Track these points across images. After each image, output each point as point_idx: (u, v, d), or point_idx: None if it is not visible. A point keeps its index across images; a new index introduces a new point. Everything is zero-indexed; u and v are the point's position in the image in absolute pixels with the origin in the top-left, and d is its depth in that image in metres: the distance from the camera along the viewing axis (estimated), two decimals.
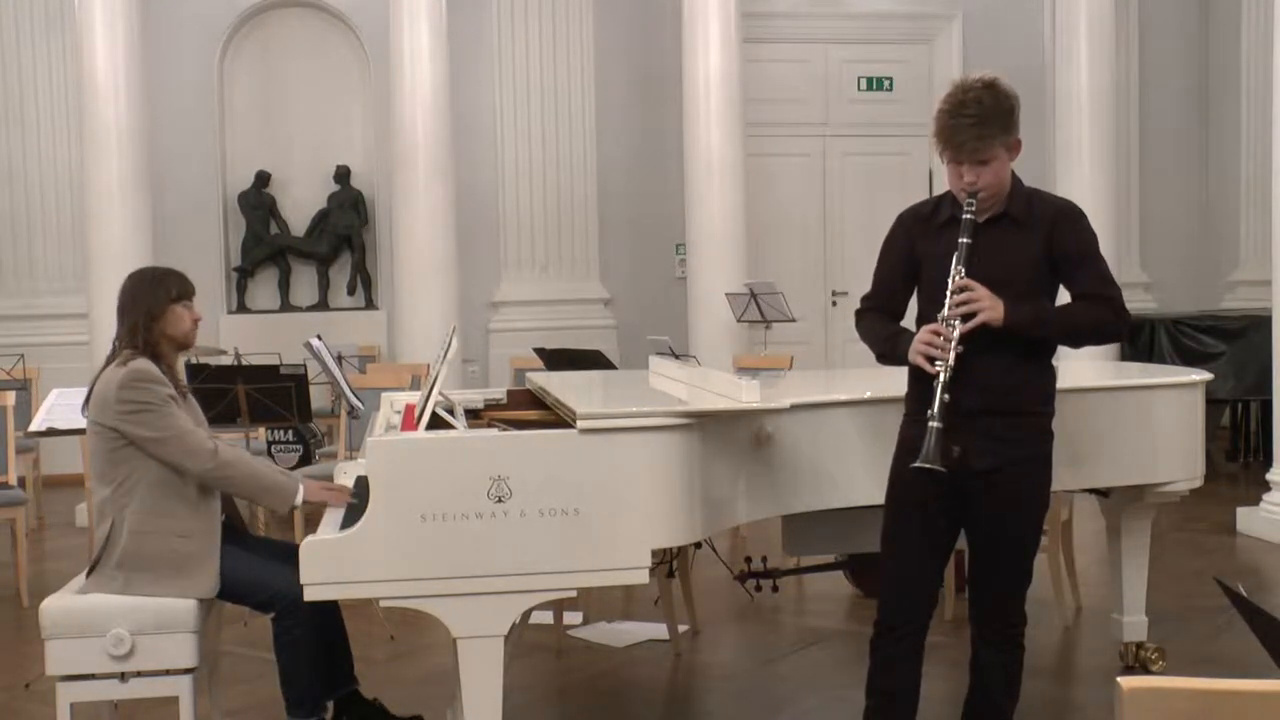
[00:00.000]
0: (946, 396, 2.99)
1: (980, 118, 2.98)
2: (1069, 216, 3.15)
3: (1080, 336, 3.20)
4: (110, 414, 3.57)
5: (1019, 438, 3.11)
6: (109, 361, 3.69)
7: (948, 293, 3.03)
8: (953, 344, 3.01)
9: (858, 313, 3.35)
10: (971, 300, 3.01)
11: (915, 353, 3.07)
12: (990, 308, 3.00)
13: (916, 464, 2.99)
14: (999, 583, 3.20)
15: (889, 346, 3.20)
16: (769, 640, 5.22)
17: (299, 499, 3.66)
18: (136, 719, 4.14)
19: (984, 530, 3.18)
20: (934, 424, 2.98)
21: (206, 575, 3.58)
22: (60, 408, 5.62)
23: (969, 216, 3.05)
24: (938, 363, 3.01)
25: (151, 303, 3.68)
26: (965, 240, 3.05)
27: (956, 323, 3.02)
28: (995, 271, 3.05)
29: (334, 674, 3.85)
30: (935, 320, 3.07)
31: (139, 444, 3.57)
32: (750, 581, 4.92)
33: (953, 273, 3.04)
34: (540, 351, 6.71)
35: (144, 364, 3.61)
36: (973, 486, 3.10)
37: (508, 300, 9.96)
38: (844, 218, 10.49)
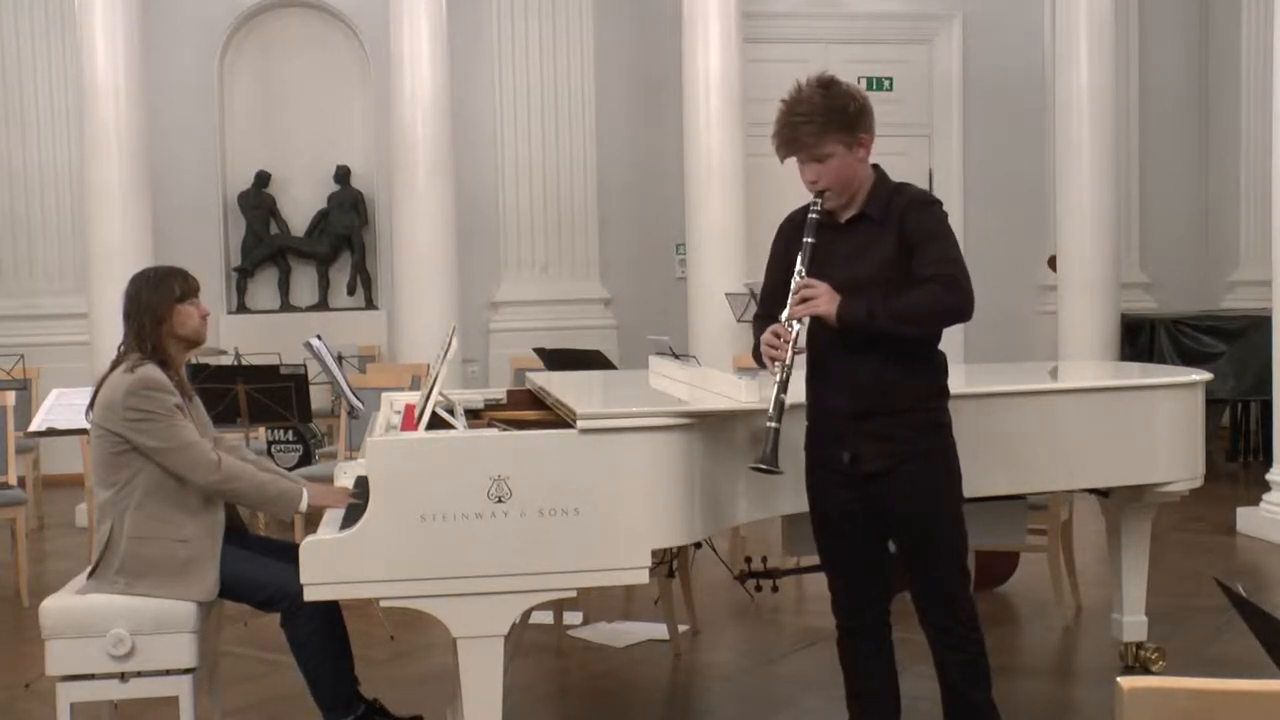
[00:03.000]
0: (784, 396, 3.00)
1: (810, 115, 3.01)
2: (916, 204, 3.10)
3: (919, 322, 3.04)
4: (116, 420, 3.57)
5: (905, 436, 3.08)
6: (115, 365, 3.69)
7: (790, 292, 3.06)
8: (791, 344, 3.01)
9: (754, 318, 3.37)
10: (809, 297, 3.01)
11: (762, 353, 3.10)
12: (826, 302, 3.00)
13: (752, 465, 3.03)
14: (932, 582, 3.18)
15: (757, 348, 3.22)
16: (769, 640, 5.22)
17: (303, 505, 3.66)
18: (136, 719, 4.14)
19: (898, 531, 3.17)
20: (771, 424, 3.00)
21: (206, 579, 3.58)
22: (60, 408, 5.62)
23: (814, 216, 3.08)
24: (776, 364, 3.03)
25: (156, 305, 3.68)
26: (809, 240, 3.07)
27: (795, 323, 3.03)
28: (857, 272, 3.05)
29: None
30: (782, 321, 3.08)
31: (144, 452, 3.57)
32: (750, 581, 4.92)
33: (795, 272, 3.06)
34: (540, 351, 6.71)
35: (152, 371, 3.61)
36: (873, 490, 3.11)
37: (508, 300, 9.96)
38: None
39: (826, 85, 3.06)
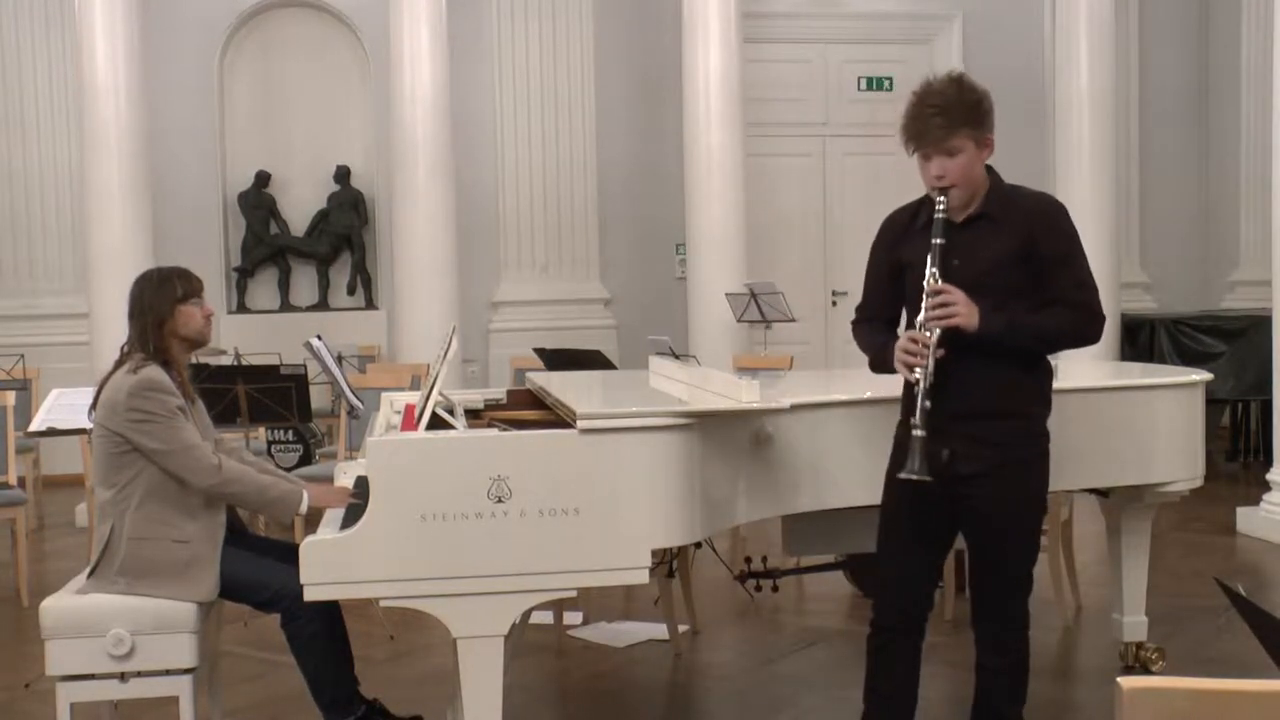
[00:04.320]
0: (928, 403, 2.97)
1: (943, 107, 2.99)
2: (1048, 214, 3.10)
3: (1054, 345, 3.15)
4: (118, 420, 3.57)
5: (1009, 441, 3.08)
6: (118, 365, 3.69)
7: (924, 296, 3.02)
8: (930, 350, 2.98)
9: (853, 324, 3.35)
10: (947, 304, 2.98)
11: (897, 360, 3.06)
12: (966, 313, 2.98)
13: (902, 475, 3.00)
14: (996, 586, 3.18)
15: (879, 356, 3.19)
16: (769, 640, 5.22)
17: (303, 508, 3.67)
18: (136, 719, 4.14)
19: (977, 533, 3.16)
20: (917, 432, 2.97)
21: (206, 580, 3.58)
22: (60, 408, 5.61)
23: (940, 216, 3.04)
24: (917, 370, 3.00)
25: (158, 306, 3.68)
26: (938, 241, 3.02)
27: (934, 327, 3.00)
28: (973, 272, 3.03)
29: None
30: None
31: (145, 453, 3.57)
32: (750, 581, 4.92)
33: (927, 275, 3.03)
34: (540, 351, 6.71)
35: (155, 372, 3.61)
36: (964, 490, 3.09)
37: (508, 300, 9.96)
38: (844, 218, 10.49)
39: (959, 80, 3.06)
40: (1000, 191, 3.11)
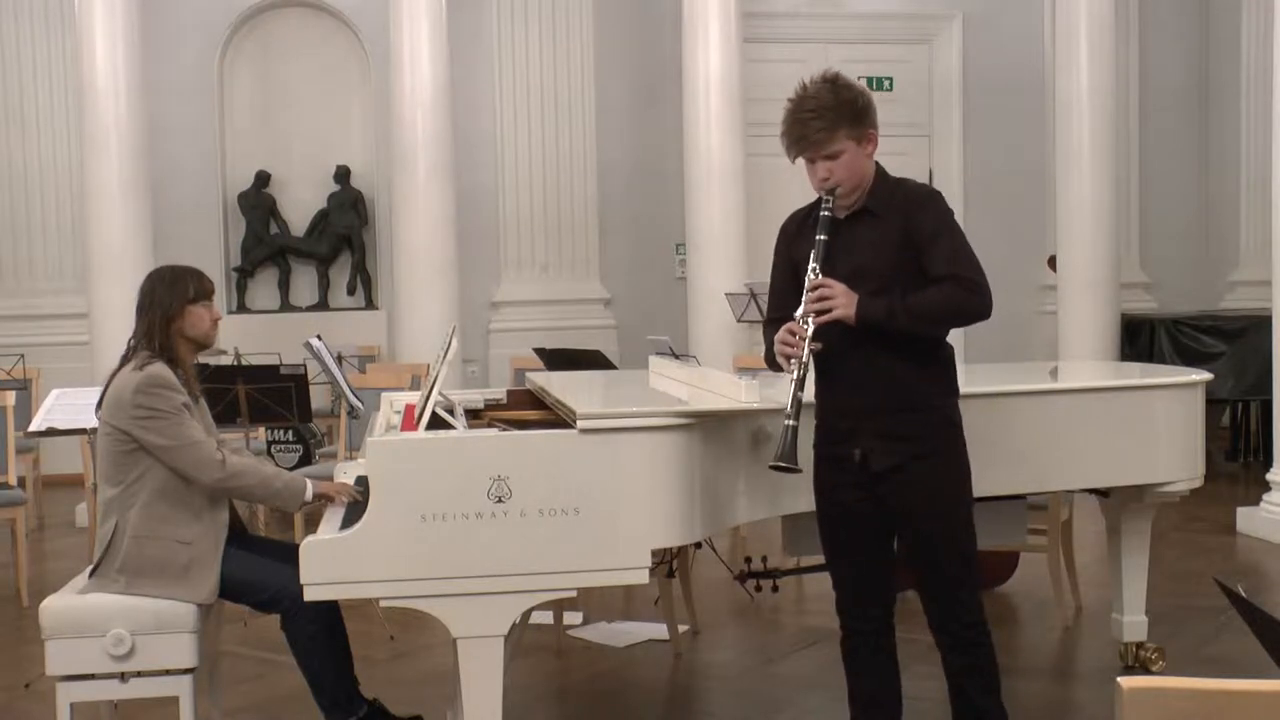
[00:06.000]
0: (801, 394, 2.97)
1: (819, 111, 3.00)
2: (921, 199, 3.12)
3: (938, 322, 3.09)
4: (124, 417, 3.57)
5: (916, 435, 3.08)
6: (124, 362, 3.70)
7: (805, 290, 3.04)
8: (806, 342, 2.99)
9: (763, 325, 3.34)
10: (825, 297, 2.99)
11: (776, 352, 3.07)
12: (844, 304, 2.98)
13: (771, 463, 3.00)
14: (938, 583, 3.17)
15: (769, 351, 3.19)
16: (769, 640, 5.22)
17: (309, 494, 3.68)
18: (136, 719, 4.14)
19: (905, 530, 3.16)
20: (789, 422, 2.97)
21: (207, 582, 3.58)
22: (60, 408, 5.61)
23: (826, 214, 3.06)
24: (792, 361, 3.00)
25: (168, 304, 3.69)
26: (822, 237, 3.04)
27: (810, 320, 3.00)
28: (858, 265, 3.05)
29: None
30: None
31: (150, 450, 3.57)
32: (750, 581, 4.92)
33: (809, 270, 3.04)
34: (540, 351, 6.70)
35: (160, 369, 3.61)
36: (882, 488, 3.10)
37: (508, 300, 9.97)
38: None
39: (833, 81, 3.06)
40: (884, 186, 3.13)
